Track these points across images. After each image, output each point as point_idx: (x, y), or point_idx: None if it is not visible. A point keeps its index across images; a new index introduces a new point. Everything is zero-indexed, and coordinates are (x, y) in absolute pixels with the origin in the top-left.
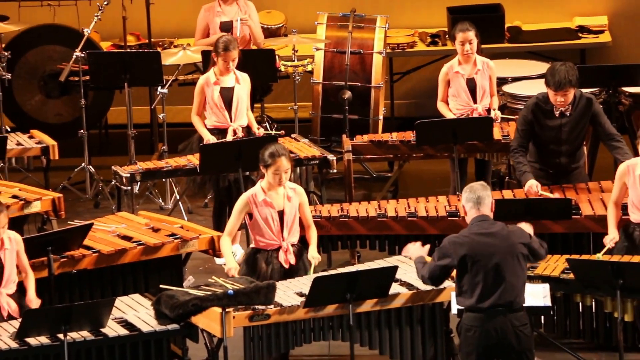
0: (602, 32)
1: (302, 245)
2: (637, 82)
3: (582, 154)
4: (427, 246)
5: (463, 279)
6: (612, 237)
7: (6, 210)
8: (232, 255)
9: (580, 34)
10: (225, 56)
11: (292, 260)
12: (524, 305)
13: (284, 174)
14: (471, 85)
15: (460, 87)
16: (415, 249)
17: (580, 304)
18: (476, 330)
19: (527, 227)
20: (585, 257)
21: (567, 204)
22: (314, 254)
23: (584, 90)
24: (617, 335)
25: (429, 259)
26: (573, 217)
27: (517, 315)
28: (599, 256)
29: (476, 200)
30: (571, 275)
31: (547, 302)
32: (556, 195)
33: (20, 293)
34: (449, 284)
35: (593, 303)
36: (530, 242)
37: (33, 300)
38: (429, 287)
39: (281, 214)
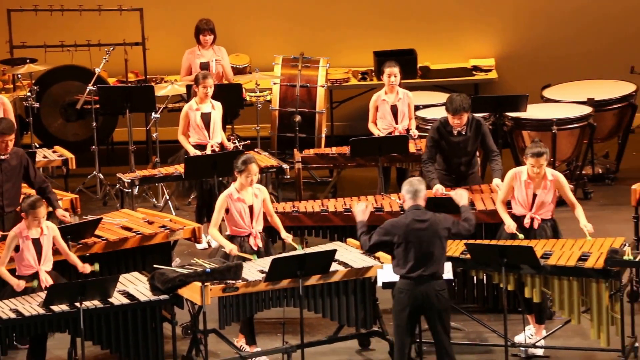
0: (490, 70)
1: (266, 234)
2: (517, 109)
3: (476, 162)
4: (369, 210)
5: (399, 254)
6: (509, 224)
7: (44, 205)
8: (226, 239)
9: (474, 72)
10: (204, 83)
11: (260, 244)
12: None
13: (254, 176)
14: (394, 110)
15: (386, 112)
16: (359, 211)
17: (475, 277)
18: (407, 293)
19: (463, 193)
20: (479, 241)
21: None
22: (287, 234)
23: (477, 115)
24: (502, 300)
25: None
26: None
27: (439, 282)
28: (521, 237)
29: (414, 192)
30: (468, 256)
31: (450, 276)
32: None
33: (55, 270)
34: (375, 263)
35: (484, 277)
36: (451, 227)
37: (85, 266)
38: (360, 265)
39: (251, 208)
